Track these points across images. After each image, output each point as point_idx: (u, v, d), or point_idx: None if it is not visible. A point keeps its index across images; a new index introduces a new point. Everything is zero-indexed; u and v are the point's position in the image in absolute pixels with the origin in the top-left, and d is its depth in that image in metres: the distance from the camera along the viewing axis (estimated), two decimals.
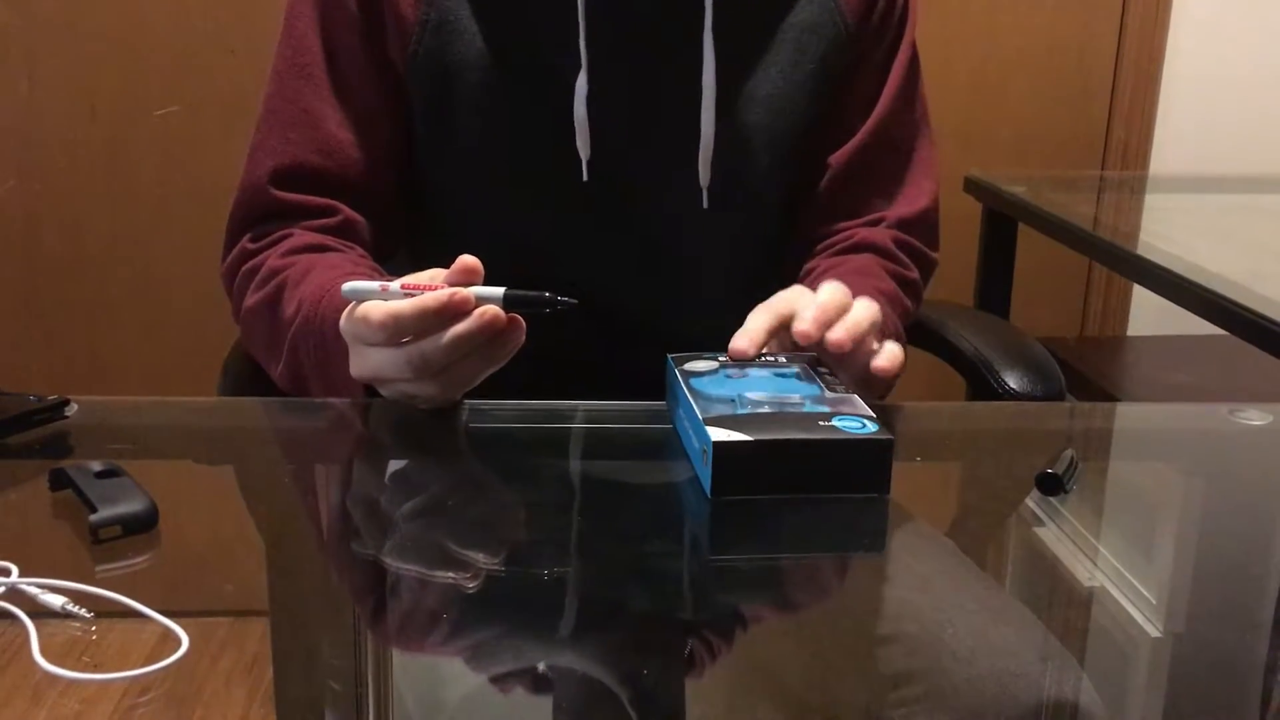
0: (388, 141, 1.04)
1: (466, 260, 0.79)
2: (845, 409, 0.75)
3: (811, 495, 0.72)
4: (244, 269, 1.01)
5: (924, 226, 1.12)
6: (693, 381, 0.79)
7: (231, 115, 2.08)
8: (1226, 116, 2.30)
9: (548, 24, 1.00)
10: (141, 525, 0.66)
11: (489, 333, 0.77)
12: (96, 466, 0.71)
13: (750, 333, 0.83)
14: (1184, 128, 2.31)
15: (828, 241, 1.09)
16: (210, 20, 2.11)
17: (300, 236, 1.00)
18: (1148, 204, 2.11)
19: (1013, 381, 1.22)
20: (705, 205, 1.03)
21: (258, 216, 1.02)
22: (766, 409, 0.75)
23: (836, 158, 1.08)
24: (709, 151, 1.01)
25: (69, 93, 2.13)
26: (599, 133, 1.00)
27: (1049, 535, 0.75)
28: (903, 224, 1.10)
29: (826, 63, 1.05)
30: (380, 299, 0.79)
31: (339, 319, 0.83)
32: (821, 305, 0.82)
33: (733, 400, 0.76)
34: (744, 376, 0.80)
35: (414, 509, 0.74)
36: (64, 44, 2.11)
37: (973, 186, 1.97)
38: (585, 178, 1.01)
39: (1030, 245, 1.95)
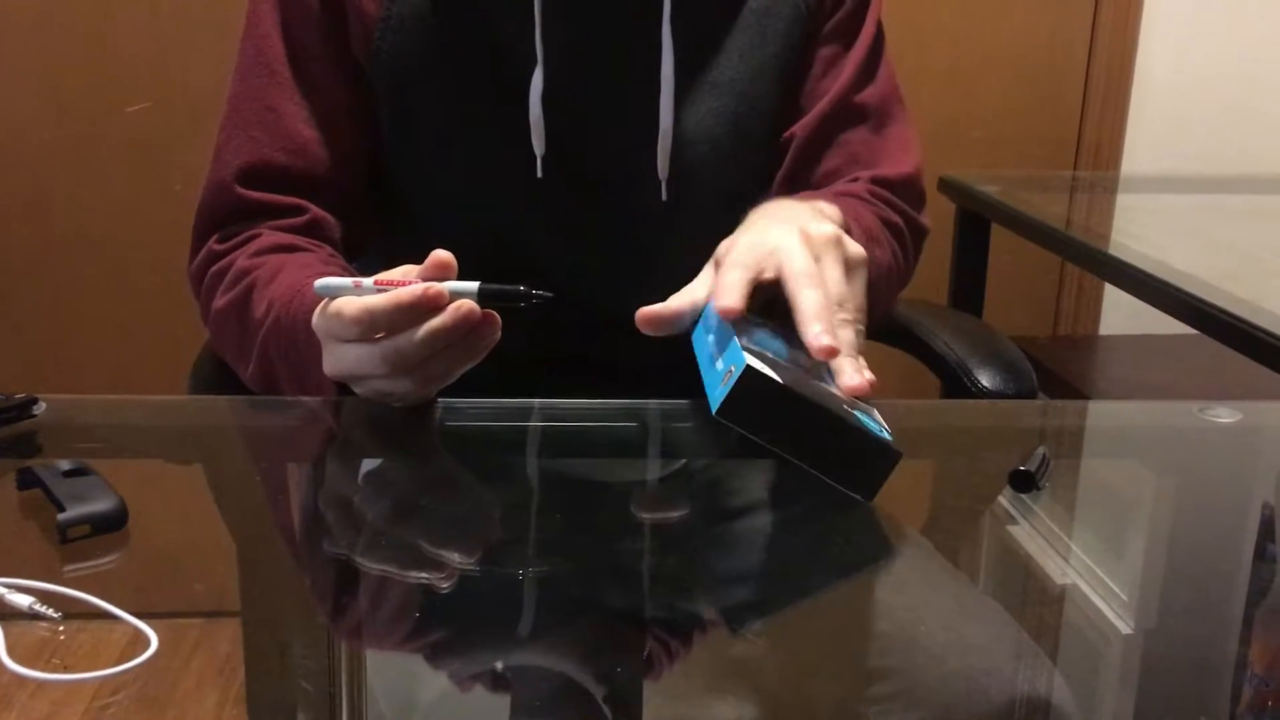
0: (353, 138, 1.03)
1: (439, 255, 0.78)
2: (866, 410, 0.75)
3: (801, 467, 0.72)
4: (212, 270, 1.00)
5: (906, 190, 1.09)
6: (737, 322, 0.78)
7: (202, 113, 2.07)
8: (1198, 117, 2.33)
9: (505, 20, 1.00)
10: (111, 524, 0.66)
11: (464, 328, 0.76)
12: (65, 465, 0.70)
13: (732, 287, 0.79)
14: (1156, 128, 2.33)
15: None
16: (181, 17, 2.10)
17: (268, 236, 0.99)
18: (1120, 204, 2.12)
19: (986, 380, 1.23)
20: (664, 198, 1.03)
21: (224, 216, 1.01)
22: (802, 371, 0.75)
23: (799, 128, 1.07)
24: (667, 144, 1.01)
25: (37, 89, 2.11)
26: (555, 129, 1.00)
27: (1021, 533, 0.75)
28: (880, 182, 1.07)
29: (788, 44, 1.05)
30: (353, 295, 0.79)
31: (311, 317, 0.83)
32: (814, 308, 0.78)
33: (771, 349, 0.76)
34: (789, 341, 0.79)
35: (387, 508, 0.74)
36: (33, 40, 2.09)
37: (946, 186, 1.97)
38: (540, 174, 1.00)
39: (1004, 245, 1.96)
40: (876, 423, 0.74)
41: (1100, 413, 1.00)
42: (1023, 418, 0.96)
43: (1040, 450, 0.79)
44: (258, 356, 0.93)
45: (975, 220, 1.95)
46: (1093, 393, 1.88)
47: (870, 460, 0.72)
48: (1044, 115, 2.31)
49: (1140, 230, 1.85)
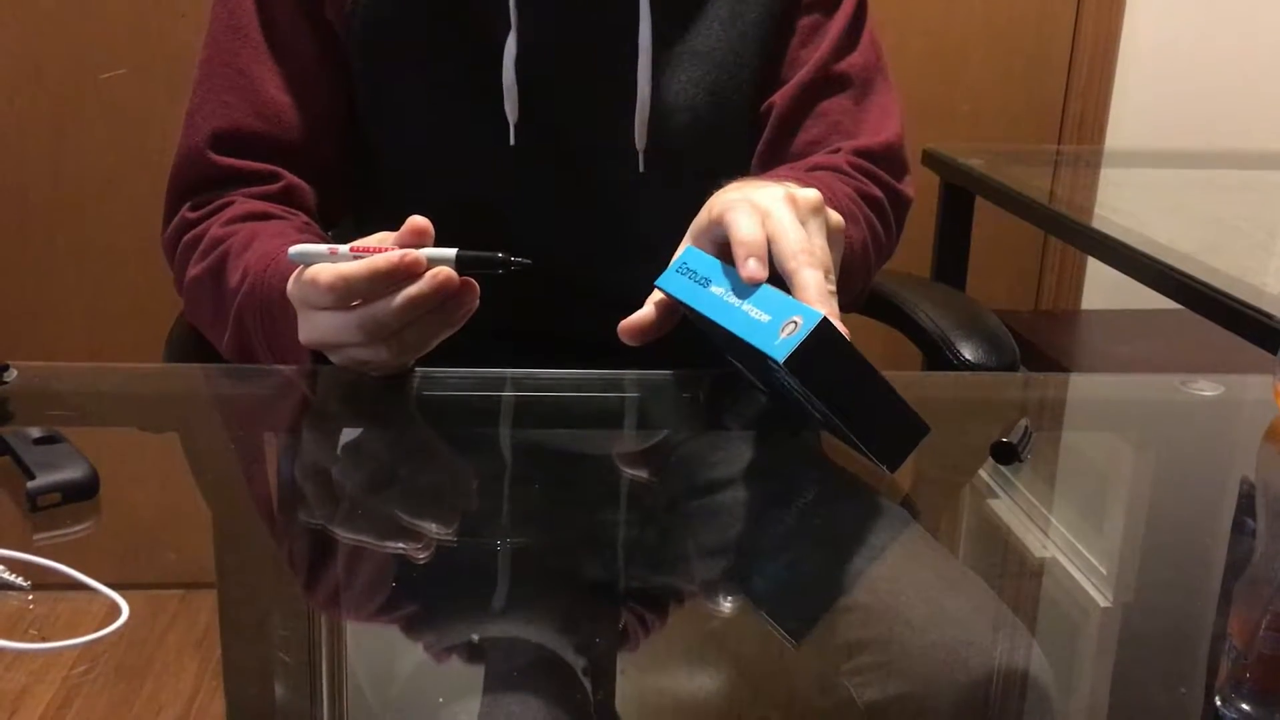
0: (328, 104, 1.01)
1: (416, 221, 0.77)
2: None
3: (838, 427, 0.71)
4: (185, 239, 0.98)
5: (888, 159, 1.07)
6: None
7: (180, 79, 2.04)
8: (1184, 91, 2.32)
9: None
10: (82, 493, 0.65)
11: (442, 294, 0.75)
12: (35, 433, 0.69)
13: (759, 246, 0.77)
14: (1141, 102, 2.33)
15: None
16: None
17: (242, 205, 0.98)
18: (1103, 178, 2.12)
19: (968, 353, 1.23)
20: (641, 169, 1.02)
21: (196, 183, 1.00)
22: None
23: (779, 97, 1.05)
24: (645, 114, 1.00)
25: (13, 54, 2.08)
26: (529, 96, 0.99)
27: (1002, 506, 0.75)
28: (861, 152, 1.06)
29: (769, 13, 1.04)
30: (329, 262, 0.78)
31: (285, 285, 0.82)
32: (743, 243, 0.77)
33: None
34: None
35: (364, 478, 0.73)
36: (8, 5, 2.06)
37: (930, 159, 1.97)
38: (513, 142, 0.99)
39: (987, 218, 1.96)
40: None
41: (1082, 385, 1.00)
42: (1004, 390, 0.96)
43: (1023, 422, 0.79)
44: (233, 325, 0.92)
45: (958, 193, 1.94)
46: (1074, 367, 1.88)
47: (904, 431, 0.71)
48: (1029, 89, 2.31)
49: (1123, 204, 1.85)
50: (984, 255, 2.04)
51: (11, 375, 0.80)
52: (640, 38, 0.99)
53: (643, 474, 0.79)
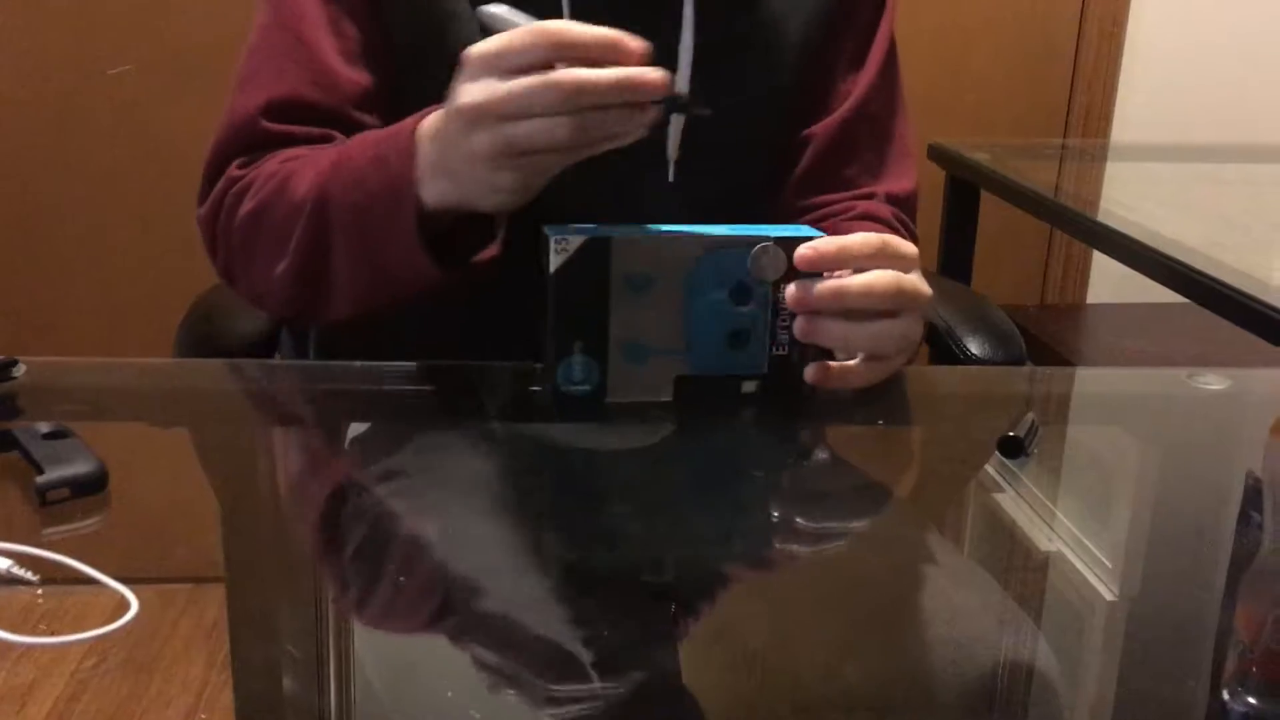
0: (377, 76, 0.98)
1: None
2: None
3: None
4: (231, 191, 0.93)
5: (910, 207, 1.10)
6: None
7: (187, 75, 2.05)
8: (1190, 84, 2.32)
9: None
10: (91, 487, 0.65)
11: (653, 91, 0.73)
12: (44, 428, 0.69)
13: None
14: (1147, 95, 2.32)
15: (823, 211, 1.07)
16: None
17: (297, 149, 0.94)
18: (1109, 172, 2.12)
19: (974, 347, 1.23)
20: (670, 179, 1.01)
21: (245, 149, 0.95)
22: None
23: (820, 129, 1.06)
24: (680, 122, 1.00)
25: (20, 50, 2.08)
26: None
27: (1008, 500, 0.75)
28: (893, 200, 1.08)
29: (809, 34, 1.03)
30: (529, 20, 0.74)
31: (419, 133, 0.80)
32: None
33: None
34: None
35: (373, 473, 0.74)
36: (16, 2, 2.06)
37: (936, 153, 1.97)
38: None
39: (993, 212, 1.96)
40: None
41: (1088, 379, 1.00)
42: (1010, 384, 0.96)
43: (1029, 416, 0.79)
44: (302, 232, 0.86)
45: (964, 187, 1.94)
46: (1080, 361, 1.88)
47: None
48: (1034, 81, 2.31)
49: (1129, 199, 1.85)
50: (990, 249, 2.04)
51: (20, 370, 0.80)
52: (681, 47, 0.99)
53: (649, 465, 0.79)
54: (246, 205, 0.91)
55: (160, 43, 2.08)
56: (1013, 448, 0.76)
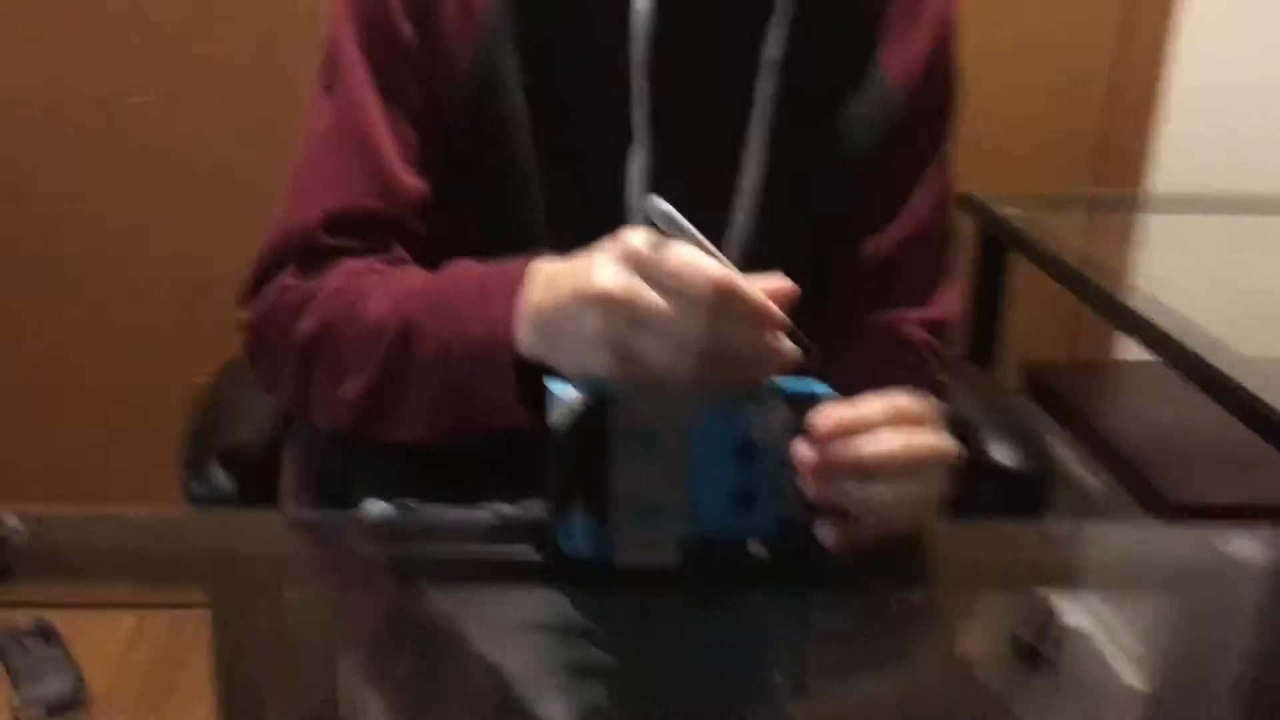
0: (431, 183, 0.95)
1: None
2: None
3: None
4: (286, 303, 0.89)
5: (947, 333, 1.07)
6: None
7: (209, 102, 2.02)
8: (1233, 129, 2.23)
9: (600, 87, 0.94)
10: (67, 706, 0.63)
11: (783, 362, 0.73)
12: (27, 625, 0.67)
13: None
14: (1187, 140, 2.24)
15: (857, 329, 1.05)
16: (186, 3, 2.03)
17: (359, 262, 0.91)
18: (1144, 228, 2.06)
19: (998, 453, 1.19)
20: None
21: (301, 256, 0.91)
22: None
23: (873, 247, 1.03)
24: (740, 242, 0.96)
25: (38, 80, 2.05)
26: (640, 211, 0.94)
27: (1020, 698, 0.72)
28: (931, 326, 1.05)
29: (880, 145, 1.00)
30: (691, 235, 0.73)
31: (527, 281, 0.78)
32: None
33: None
34: None
35: (410, 659, 0.71)
36: (39, 29, 2.02)
37: (966, 204, 1.92)
38: None
39: (1021, 259, 1.90)
40: None
41: (1109, 542, 0.96)
42: (1033, 549, 0.92)
43: (1045, 607, 0.76)
44: (381, 361, 0.84)
45: (995, 243, 1.90)
46: (1110, 433, 1.84)
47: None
48: (1063, 120, 2.23)
49: (1165, 266, 1.79)
50: (1017, 299, 1.98)
51: (12, 528, 0.78)
52: (747, 169, 0.95)
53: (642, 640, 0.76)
54: (307, 322, 0.88)
55: (183, 71, 2.04)
56: (1028, 653, 0.73)
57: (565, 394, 0.75)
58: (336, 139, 0.93)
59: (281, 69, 1.94)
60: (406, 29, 0.92)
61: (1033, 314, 2.10)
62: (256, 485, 1.08)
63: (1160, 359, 1.41)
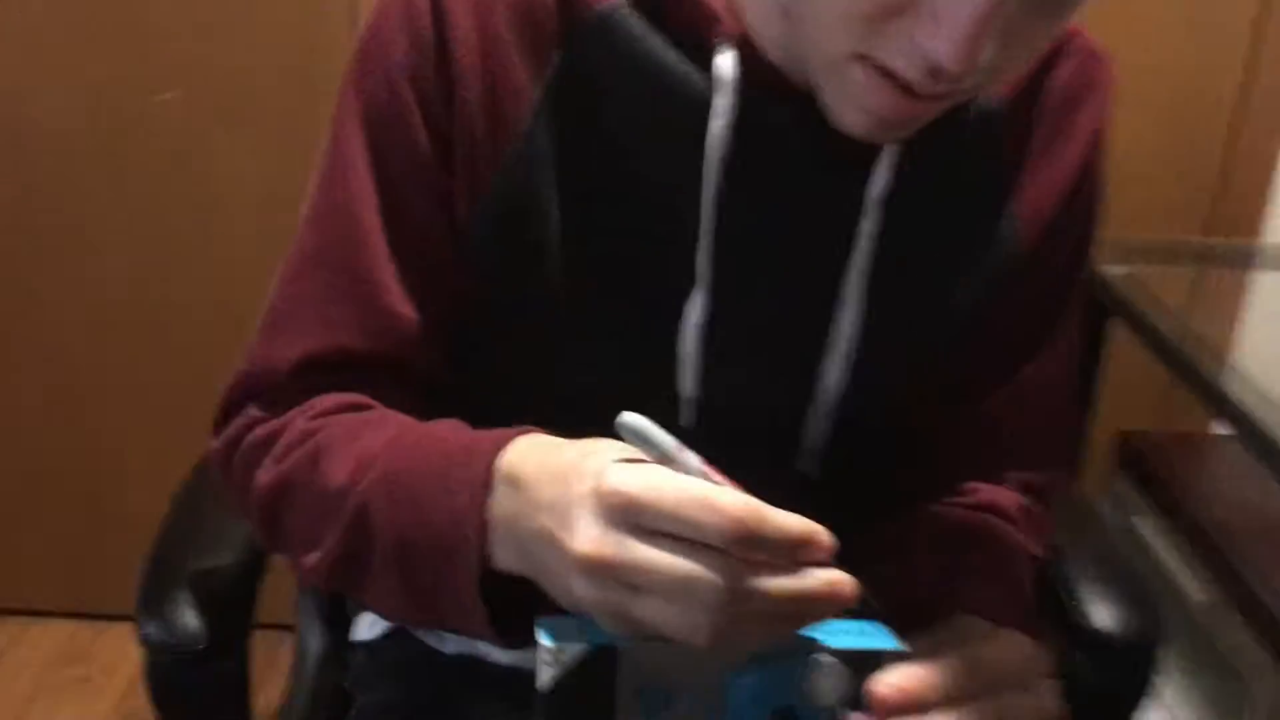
0: (448, 305, 0.81)
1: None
2: None
3: None
4: (249, 440, 0.79)
5: (1050, 495, 0.91)
6: None
7: (233, 102, 1.89)
8: None
9: (656, 214, 0.77)
10: None
11: (841, 601, 0.57)
12: None
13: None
14: None
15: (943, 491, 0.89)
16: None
17: (333, 398, 0.79)
18: (1258, 286, 1.85)
19: (1099, 617, 1.01)
20: (807, 468, 0.83)
21: (268, 396, 0.80)
22: None
23: (982, 407, 0.88)
24: (828, 409, 0.81)
25: (64, 79, 1.93)
26: (710, 371, 0.79)
27: None
28: (1031, 490, 0.89)
29: (987, 298, 0.83)
30: (682, 460, 0.58)
31: (492, 460, 0.64)
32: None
33: None
34: None
35: None
36: (63, 27, 1.90)
37: None
38: (682, 421, 0.79)
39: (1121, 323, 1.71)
40: None
41: None
42: None
43: None
44: (340, 539, 0.72)
45: (1095, 306, 1.71)
46: (1204, 512, 1.67)
47: None
48: (1180, 163, 2.01)
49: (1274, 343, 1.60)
50: (1116, 360, 1.79)
51: None
52: (840, 323, 0.79)
53: None
54: (269, 472, 0.76)
55: (206, 70, 1.92)
56: None
57: (555, 644, 0.59)
58: (327, 258, 0.79)
59: (314, 69, 1.83)
60: (423, 139, 0.76)
61: (1130, 378, 1.90)
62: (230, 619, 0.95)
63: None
